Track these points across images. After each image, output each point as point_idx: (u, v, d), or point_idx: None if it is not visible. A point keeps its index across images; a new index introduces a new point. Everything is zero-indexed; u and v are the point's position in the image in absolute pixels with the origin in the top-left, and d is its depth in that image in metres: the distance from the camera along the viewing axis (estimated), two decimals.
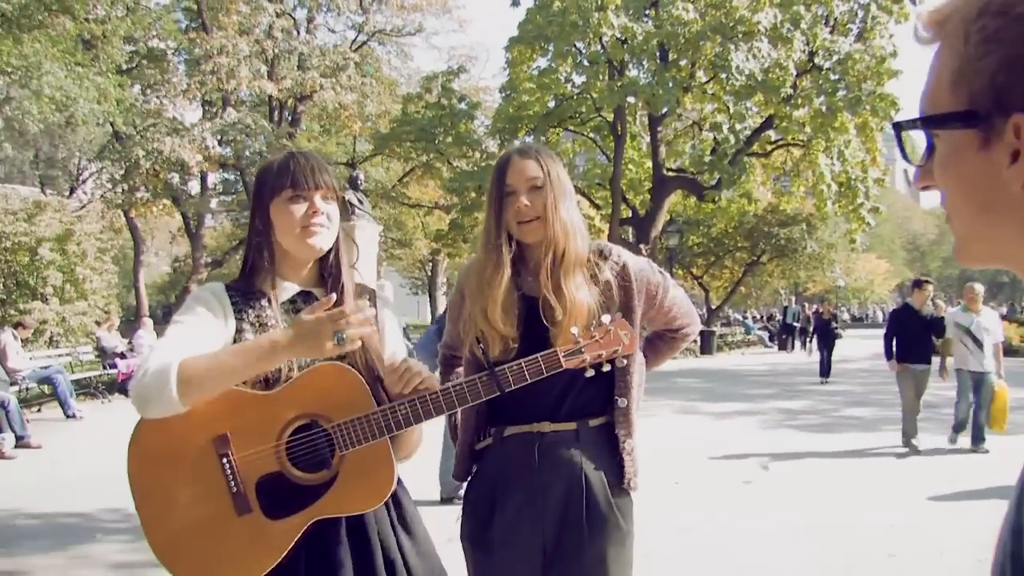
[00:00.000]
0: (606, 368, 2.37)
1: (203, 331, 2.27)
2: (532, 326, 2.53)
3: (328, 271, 2.49)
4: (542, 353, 2.33)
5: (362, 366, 2.36)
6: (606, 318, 2.36)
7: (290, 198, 2.35)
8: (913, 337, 10.84)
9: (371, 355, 2.40)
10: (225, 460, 2.22)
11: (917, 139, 0.99)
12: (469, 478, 2.75)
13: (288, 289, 2.44)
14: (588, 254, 2.62)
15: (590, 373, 2.35)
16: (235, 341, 2.30)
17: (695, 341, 32.03)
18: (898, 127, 0.99)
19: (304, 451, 2.25)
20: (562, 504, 2.51)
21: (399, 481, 2.39)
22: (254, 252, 2.43)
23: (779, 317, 39.86)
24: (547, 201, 2.54)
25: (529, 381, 2.33)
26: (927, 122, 0.93)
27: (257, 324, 2.34)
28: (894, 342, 10.99)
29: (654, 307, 2.73)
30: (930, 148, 0.94)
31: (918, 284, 11.38)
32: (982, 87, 0.85)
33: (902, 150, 1.00)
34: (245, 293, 2.40)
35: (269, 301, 2.39)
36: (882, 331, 11.55)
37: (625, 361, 2.42)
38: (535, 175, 2.56)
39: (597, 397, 2.59)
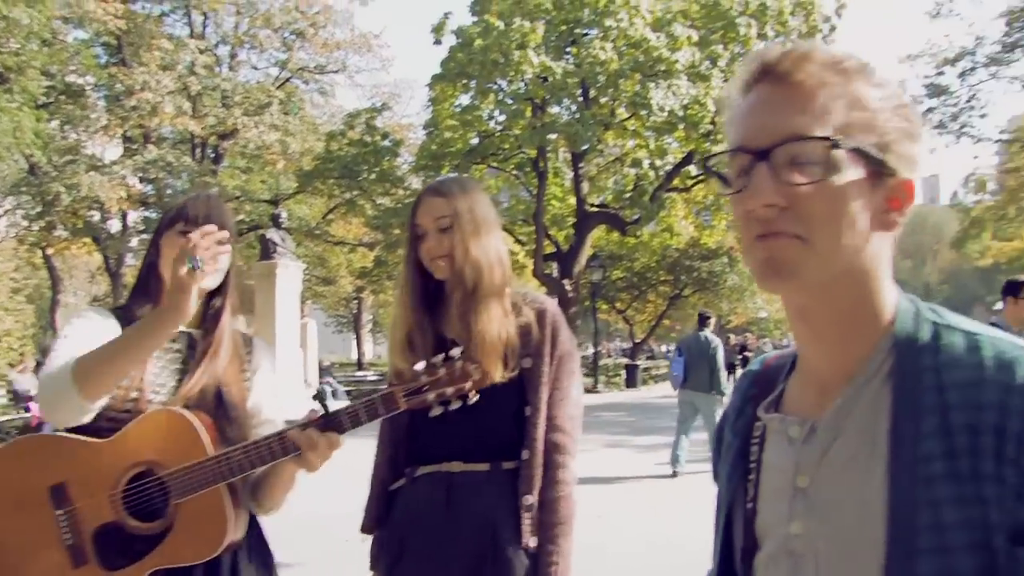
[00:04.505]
0: (454, 405, 2.20)
1: (93, 332, 2.24)
2: None
3: (211, 315, 2.45)
4: (380, 392, 2.22)
5: (212, 408, 2.32)
6: (456, 351, 2.20)
7: (180, 231, 2.32)
8: None
9: (230, 398, 2.37)
10: (61, 510, 2.18)
11: None
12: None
13: None
14: (510, 291, 2.56)
15: (436, 411, 2.19)
16: None
17: (620, 375, 32.32)
18: (707, 159, 1.20)
19: (139, 500, 2.19)
20: (470, 552, 2.42)
21: (257, 528, 2.37)
22: (142, 282, 2.43)
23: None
24: (455, 239, 2.48)
25: (365, 423, 2.22)
26: (852, 150, 1.07)
27: None
28: None
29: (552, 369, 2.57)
30: (827, 168, 1.07)
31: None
32: (886, 142, 1.05)
33: (721, 179, 1.13)
34: (127, 321, 2.34)
35: None
36: None
37: (476, 397, 2.22)
38: (443, 214, 2.50)
39: (511, 438, 2.49)
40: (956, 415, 0.95)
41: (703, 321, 12.25)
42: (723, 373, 11.60)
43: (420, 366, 2.18)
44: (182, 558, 2.20)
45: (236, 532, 2.29)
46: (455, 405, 2.19)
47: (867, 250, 1.04)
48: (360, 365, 43.90)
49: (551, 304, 2.63)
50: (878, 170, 1.04)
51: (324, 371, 26.59)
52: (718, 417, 11.30)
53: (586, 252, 28.90)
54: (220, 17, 33.09)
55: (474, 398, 2.20)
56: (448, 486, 2.46)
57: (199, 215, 2.33)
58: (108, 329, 2.29)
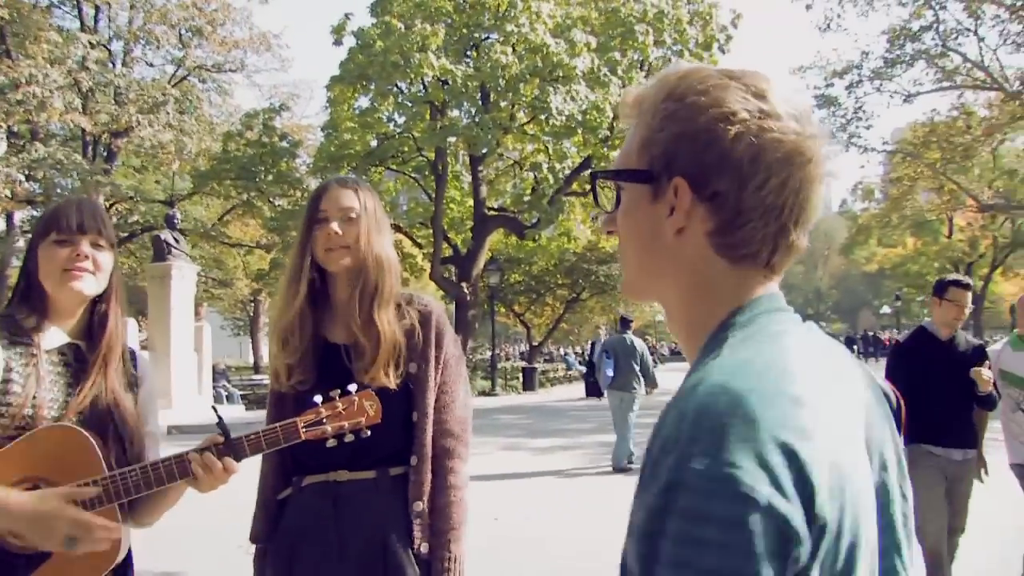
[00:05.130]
0: (348, 438, 2.25)
1: None
2: (333, 372, 2.44)
3: (97, 323, 2.39)
4: (282, 423, 2.24)
5: (105, 420, 2.28)
6: (352, 387, 2.26)
7: (55, 241, 2.27)
8: (943, 395, 5.38)
9: (120, 411, 2.33)
10: None
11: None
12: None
13: (54, 336, 2.32)
14: (397, 295, 2.55)
15: (332, 443, 2.25)
16: (4, 380, 2.18)
17: (517, 379, 32.49)
18: (594, 176, 1.22)
19: None
20: (360, 560, 2.40)
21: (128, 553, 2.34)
22: (21, 292, 2.35)
23: (586, 354, 36.19)
24: (360, 231, 2.47)
25: (267, 450, 2.25)
26: (616, 175, 1.16)
27: (28, 367, 2.23)
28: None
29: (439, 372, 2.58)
30: (617, 200, 1.17)
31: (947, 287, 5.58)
32: (658, 154, 1.10)
33: (595, 198, 1.22)
34: (12, 331, 2.27)
35: (37, 345, 2.27)
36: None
37: (368, 432, 2.27)
38: (351, 205, 2.49)
39: (399, 444, 2.48)
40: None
41: (625, 324, 12.99)
42: (652, 368, 12.59)
43: (318, 398, 2.24)
44: None
45: (122, 552, 2.25)
46: (349, 438, 2.26)
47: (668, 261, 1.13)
48: (257, 368, 43.26)
49: (436, 306, 2.63)
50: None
51: (219, 374, 26.21)
52: (635, 415, 11.86)
53: (484, 255, 29.06)
54: (114, 11, 32.23)
55: (366, 434, 2.26)
56: (335, 495, 2.44)
57: (72, 223, 2.27)
58: None
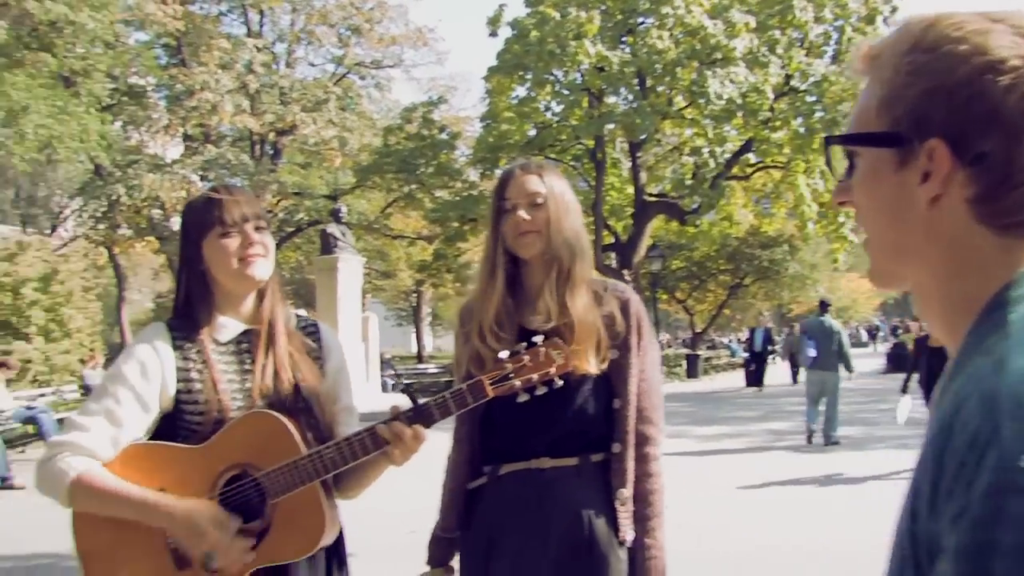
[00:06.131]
0: (540, 391, 2.18)
1: (127, 413, 2.24)
2: None
3: (259, 304, 2.45)
4: (468, 382, 2.19)
5: (290, 399, 2.34)
6: (538, 337, 2.20)
7: (221, 234, 2.32)
8: None
9: (305, 387, 2.37)
10: None
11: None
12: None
13: (229, 326, 2.39)
14: (593, 281, 2.52)
15: (523, 398, 2.18)
16: (180, 380, 2.29)
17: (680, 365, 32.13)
18: (828, 141, 1.09)
19: (237, 502, 2.22)
20: (564, 549, 2.36)
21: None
22: (189, 291, 2.39)
23: (744, 343, 33.46)
24: (548, 216, 2.43)
25: (455, 413, 2.23)
26: (854, 139, 1.03)
27: (202, 364, 2.32)
28: None
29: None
30: (851, 168, 1.04)
31: None
32: (904, 113, 0.96)
33: (828, 164, 1.07)
34: (187, 332, 2.36)
35: (214, 341, 2.36)
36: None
37: (561, 382, 2.19)
38: (536, 189, 2.44)
39: (600, 430, 2.44)
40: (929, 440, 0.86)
41: (824, 307, 13.75)
42: (850, 351, 13.17)
43: (504, 354, 2.18)
44: (281, 556, 2.24)
45: (333, 528, 2.31)
46: (541, 391, 2.18)
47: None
48: (420, 358, 44.06)
49: (633, 294, 2.59)
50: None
51: (385, 364, 26.76)
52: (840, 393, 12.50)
53: (645, 242, 28.75)
54: (276, 15, 33.39)
55: (559, 383, 2.18)
56: (538, 483, 2.40)
57: (235, 214, 2.32)
58: (149, 397, 2.28)
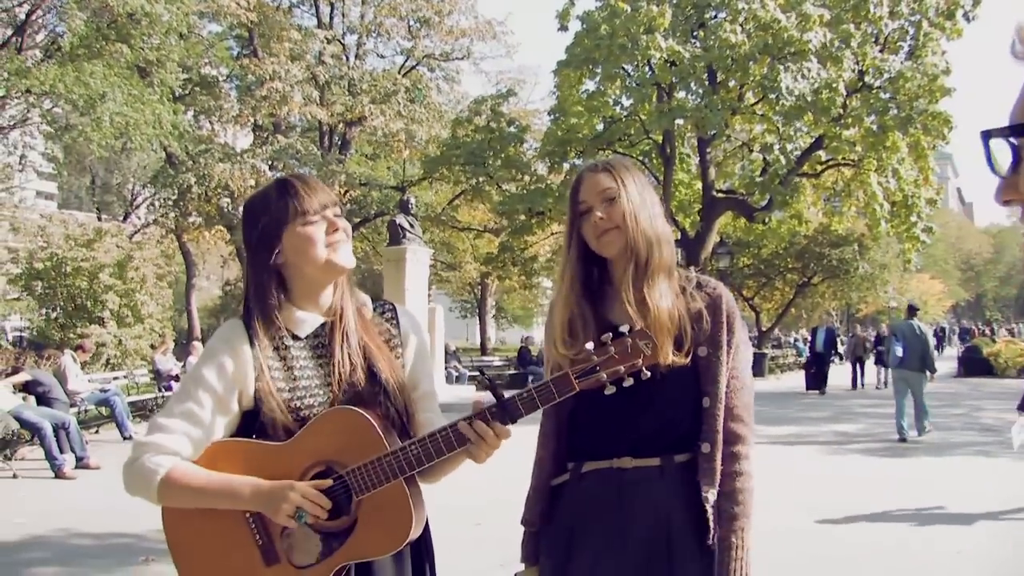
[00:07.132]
0: (628, 383, 2.13)
1: (207, 415, 2.25)
2: None
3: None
4: (553, 376, 2.16)
5: (366, 386, 2.32)
6: (624, 328, 2.14)
7: (304, 223, 2.26)
8: None
9: (382, 374, 2.33)
10: (249, 512, 2.24)
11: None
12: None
13: (308, 320, 2.35)
14: (679, 272, 2.49)
15: (610, 390, 2.12)
16: (257, 379, 2.26)
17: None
18: (987, 135, 0.98)
19: None
20: (645, 550, 2.33)
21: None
22: (263, 286, 2.32)
23: (807, 344, 31.28)
24: (624, 210, 2.41)
25: (541, 408, 2.18)
26: (1018, 131, 0.94)
27: (282, 361, 2.29)
28: None
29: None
30: (1015, 162, 0.95)
31: None
32: None
33: (989, 160, 0.98)
34: (265, 329, 2.30)
35: (292, 336, 2.32)
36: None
37: (649, 373, 2.14)
38: (608, 186, 2.43)
39: (684, 430, 2.40)
40: None
41: (912, 311, 14.62)
42: (934, 354, 14.19)
43: (590, 346, 2.14)
44: (368, 553, 2.24)
45: (419, 524, 2.30)
46: (628, 383, 2.13)
47: None
48: (484, 350, 44.19)
49: (725, 290, 2.53)
50: None
51: (450, 355, 26.85)
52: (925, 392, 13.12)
53: (713, 238, 28.47)
54: (347, 7, 33.62)
55: (646, 375, 2.14)
56: (619, 483, 2.37)
57: (315, 202, 2.28)
58: (229, 395, 2.28)
